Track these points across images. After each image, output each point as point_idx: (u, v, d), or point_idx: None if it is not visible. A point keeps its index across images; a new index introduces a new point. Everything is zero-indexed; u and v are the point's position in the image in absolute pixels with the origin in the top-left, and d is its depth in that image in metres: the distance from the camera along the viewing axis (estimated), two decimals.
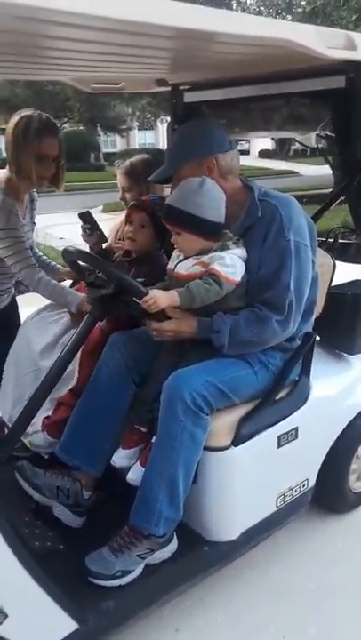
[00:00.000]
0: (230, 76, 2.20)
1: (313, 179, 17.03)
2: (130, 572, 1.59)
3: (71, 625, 1.37)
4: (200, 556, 1.73)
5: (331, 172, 12.09)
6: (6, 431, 2.03)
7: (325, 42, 1.41)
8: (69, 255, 1.66)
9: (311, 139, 14.06)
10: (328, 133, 2.18)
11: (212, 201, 1.67)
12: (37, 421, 1.92)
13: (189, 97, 2.59)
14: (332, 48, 1.42)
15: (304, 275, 1.66)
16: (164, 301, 1.55)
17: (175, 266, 1.78)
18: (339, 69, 1.82)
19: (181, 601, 1.82)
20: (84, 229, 2.26)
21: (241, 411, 1.76)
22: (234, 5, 12.34)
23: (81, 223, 2.26)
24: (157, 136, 27.98)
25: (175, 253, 1.84)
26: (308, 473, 2.06)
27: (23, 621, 1.27)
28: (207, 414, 1.61)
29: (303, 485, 2.03)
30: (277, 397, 1.84)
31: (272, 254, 1.64)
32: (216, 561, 1.77)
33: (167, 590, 1.65)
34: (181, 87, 2.57)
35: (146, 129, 25.51)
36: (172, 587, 1.66)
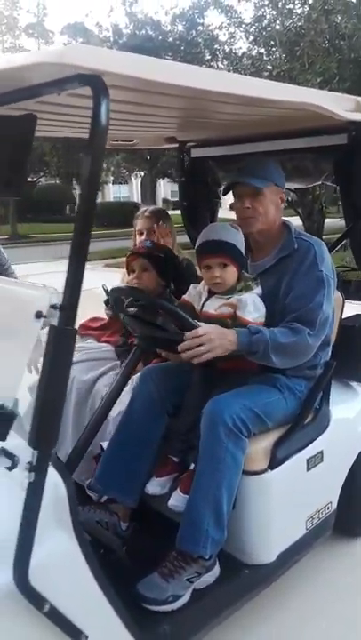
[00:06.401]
0: (238, 134, 2.45)
1: None
2: (180, 596, 1.64)
3: None
4: (242, 579, 1.78)
5: (301, 222, 12.71)
6: None
7: (342, 106, 1.65)
8: (118, 292, 1.78)
9: None
10: (329, 184, 2.42)
11: (243, 242, 1.88)
12: None
13: (196, 152, 2.83)
14: (347, 111, 1.66)
15: (330, 303, 1.84)
16: None
17: (202, 305, 1.93)
18: (341, 128, 2.07)
19: None
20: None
21: (274, 435, 1.87)
22: None
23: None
24: (132, 190, 28.96)
25: (193, 290, 2.00)
26: (332, 496, 2.16)
27: None
28: (246, 436, 1.72)
29: (328, 508, 2.13)
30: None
31: (304, 280, 1.82)
32: (257, 584, 1.82)
33: (216, 614, 1.69)
34: (188, 144, 2.82)
35: (120, 183, 26.38)
36: (220, 610, 1.70)
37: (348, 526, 2.37)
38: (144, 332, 1.73)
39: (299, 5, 10.11)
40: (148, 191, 15.71)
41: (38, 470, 1.02)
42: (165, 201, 16.03)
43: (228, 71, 11.47)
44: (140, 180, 19.62)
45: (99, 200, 25.23)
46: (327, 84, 8.90)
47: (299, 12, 10.02)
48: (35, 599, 1.09)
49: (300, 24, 9.70)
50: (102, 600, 1.28)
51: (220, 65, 11.64)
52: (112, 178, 18.27)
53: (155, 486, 1.86)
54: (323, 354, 2.01)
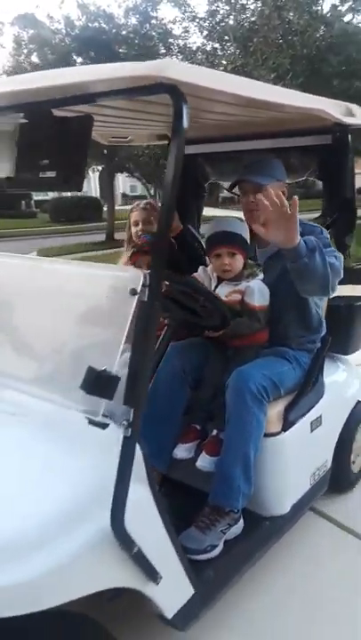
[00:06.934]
0: (230, 133, 2.66)
1: None
2: (216, 546, 1.86)
3: (190, 590, 1.61)
4: (263, 529, 2.03)
5: None
6: None
7: (337, 111, 1.89)
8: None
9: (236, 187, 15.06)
10: (312, 179, 2.67)
11: (248, 233, 2.11)
12: None
13: (186, 149, 3.01)
14: (342, 115, 1.91)
15: (341, 263, 1.97)
16: None
17: (214, 291, 2.14)
18: (327, 129, 2.32)
19: None
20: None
21: (284, 402, 2.12)
22: None
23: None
24: (90, 184, 28.60)
25: (203, 273, 2.21)
26: (328, 455, 2.45)
27: (167, 583, 1.48)
28: (267, 401, 1.96)
29: (325, 466, 2.42)
30: None
31: None
32: (276, 534, 2.07)
33: (245, 560, 1.92)
34: None
35: None
36: (249, 557, 1.93)
37: (340, 482, 2.66)
38: (181, 315, 1.93)
39: (252, 1, 10.41)
40: (106, 186, 15.67)
41: (133, 426, 1.20)
42: (125, 196, 15.98)
43: None
44: (97, 174, 19.48)
45: (55, 194, 24.98)
46: (281, 80, 9.19)
47: (252, 7, 10.33)
48: (126, 542, 1.27)
49: (253, 19, 9.98)
50: (170, 548, 1.47)
51: (174, 59, 11.77)
52: None
53: (182, 451, 2.07)
54: (321, 329, 2.28)
